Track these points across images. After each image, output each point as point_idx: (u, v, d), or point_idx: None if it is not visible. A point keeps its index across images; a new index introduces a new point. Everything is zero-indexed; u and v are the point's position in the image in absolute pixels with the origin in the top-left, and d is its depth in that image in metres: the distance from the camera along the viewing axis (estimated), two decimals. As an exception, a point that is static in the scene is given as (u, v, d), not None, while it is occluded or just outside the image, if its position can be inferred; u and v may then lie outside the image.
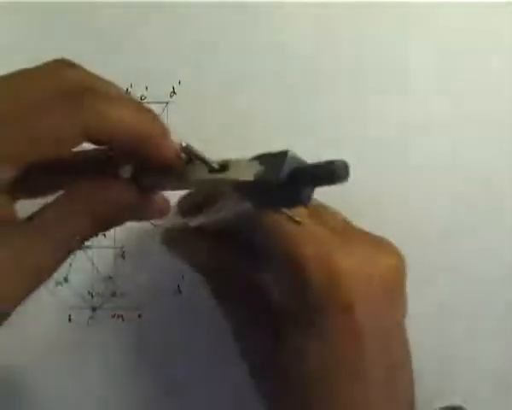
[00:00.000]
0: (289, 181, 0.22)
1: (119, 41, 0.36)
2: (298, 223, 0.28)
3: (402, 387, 0.29)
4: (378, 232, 0.30)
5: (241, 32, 0.37)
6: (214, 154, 0.25)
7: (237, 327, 0.32)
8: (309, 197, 0.23)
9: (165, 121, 0.25)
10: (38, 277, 0.23)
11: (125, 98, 0.26)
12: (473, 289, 0.37)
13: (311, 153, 0.24)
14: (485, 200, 0.37)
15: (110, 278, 0.36)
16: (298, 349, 0.28)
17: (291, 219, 0.27)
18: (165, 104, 0.36)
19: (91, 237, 0.25)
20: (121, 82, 0.27)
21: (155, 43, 0.36)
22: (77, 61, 0.25)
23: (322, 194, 0.25)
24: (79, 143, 0.24)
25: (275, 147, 0.33)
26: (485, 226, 0.37)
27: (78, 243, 0.24)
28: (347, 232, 0.30)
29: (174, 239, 0.33)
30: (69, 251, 0.24)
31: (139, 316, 0.36)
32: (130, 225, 0.35)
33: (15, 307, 0.23)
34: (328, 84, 0.37)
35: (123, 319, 0.36)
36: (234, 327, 0.32)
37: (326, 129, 0.36)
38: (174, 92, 0.36)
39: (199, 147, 0.25)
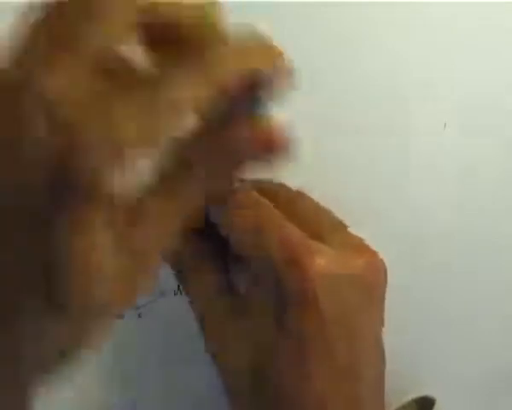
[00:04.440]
0: None
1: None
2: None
3: (366, 385, 0.29)
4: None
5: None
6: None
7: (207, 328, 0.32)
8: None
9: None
10: None
11: None
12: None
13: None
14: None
15: (110, 277, 0.35)
16: (270, 345, 0.29)
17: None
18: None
19: None
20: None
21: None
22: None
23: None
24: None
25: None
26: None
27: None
28: (323, 230, 0.30)
29: None
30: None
31: (139, 316, 0.36)
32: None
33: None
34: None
35: (123, 319, 0.36)
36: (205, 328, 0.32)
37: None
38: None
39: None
